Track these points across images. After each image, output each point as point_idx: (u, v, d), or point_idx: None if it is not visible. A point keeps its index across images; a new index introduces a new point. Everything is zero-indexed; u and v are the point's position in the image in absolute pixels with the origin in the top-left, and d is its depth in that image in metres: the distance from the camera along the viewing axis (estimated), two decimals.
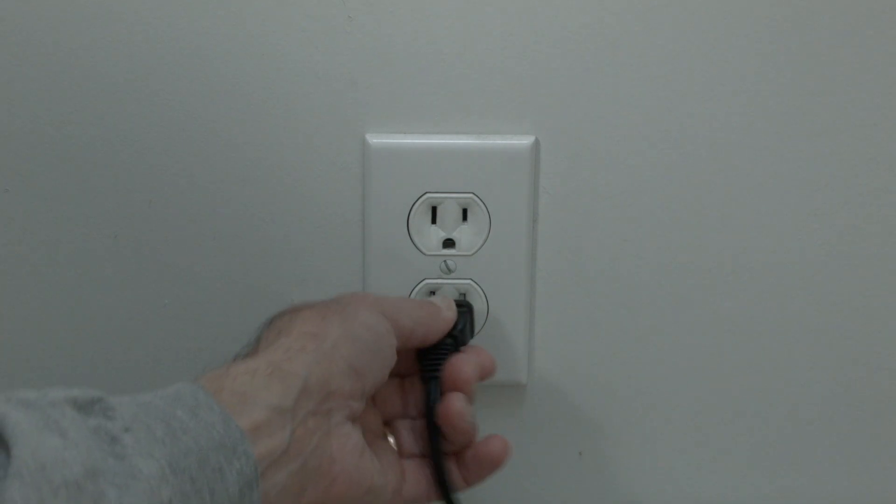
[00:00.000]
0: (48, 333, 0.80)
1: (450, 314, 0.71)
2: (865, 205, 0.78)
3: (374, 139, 0.76)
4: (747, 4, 0.74)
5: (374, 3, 0.74)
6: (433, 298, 0.73)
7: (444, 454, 0.70)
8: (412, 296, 0.78)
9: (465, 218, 0.77)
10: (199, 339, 0.80)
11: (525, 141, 0.76)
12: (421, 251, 0.77)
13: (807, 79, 0.75)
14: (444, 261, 0.78)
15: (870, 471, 0.83)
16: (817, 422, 0.82)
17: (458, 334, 0.72)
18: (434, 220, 0.77)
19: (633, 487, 0.83)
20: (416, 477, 0.70)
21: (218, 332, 0.80)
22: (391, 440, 0.71)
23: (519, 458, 0.82)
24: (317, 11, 0.74)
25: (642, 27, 0.74)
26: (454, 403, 0.69)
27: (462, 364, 0.70)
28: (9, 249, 0.78)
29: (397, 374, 0.71)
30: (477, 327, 0.78)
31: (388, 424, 0.72)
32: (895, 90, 0.76)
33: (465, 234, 0.77)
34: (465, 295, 0.78)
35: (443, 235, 0.77)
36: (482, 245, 0.77)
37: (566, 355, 0.81)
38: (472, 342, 0.78)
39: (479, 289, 0.78)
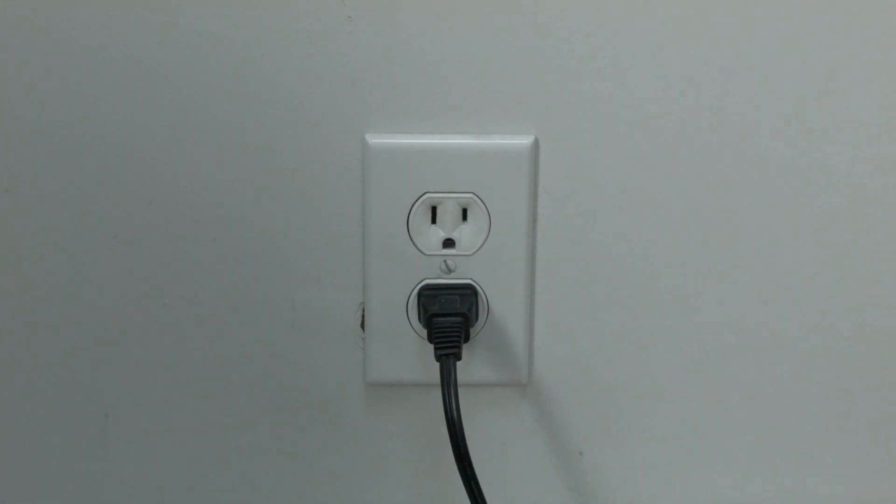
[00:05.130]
0: (48, 333, 0.80)
1: None
2: (865, 205, 0.78)
3: (374, 139, 0.76)
4: (747, 4, 0.74)
5: (374, 3, 0.74)
6: None
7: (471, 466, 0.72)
8: (411, 295, 0.78)
9: (465, 218, 0.77)
10: (199, 339, 0.80)
11: (525, 141, 0.76)
12: (421, 251, 0.77)
13: (807, 79, 0.75)
14: (444, 261, 0.78)
15: (870, 471, 0.83)
16: (817, 422, 0.82)
17: (468, 312, 0.75)
18: (434, 220, 0.77)
19: (633, 487, 0.83)
20: None
21: (218, 331, 0.80)
22: None
23: (519, 458, 0.82)
24: (317, 11, 0.74)
25: (642, 27, 0.74)
26: None
27: None
28: (9, 249, 0.78)
29: None
30: (477, 327, 0.78)
31: None
32: (895, 90, 0.76)
33: (465, 234, 0.77)
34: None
35: (443, 235, 0.77)
36: (482, 245, 0.77)
37: (566, 355, 0.81)
38: (473, 342, 0.79)
39: (479, 289, 0.78)
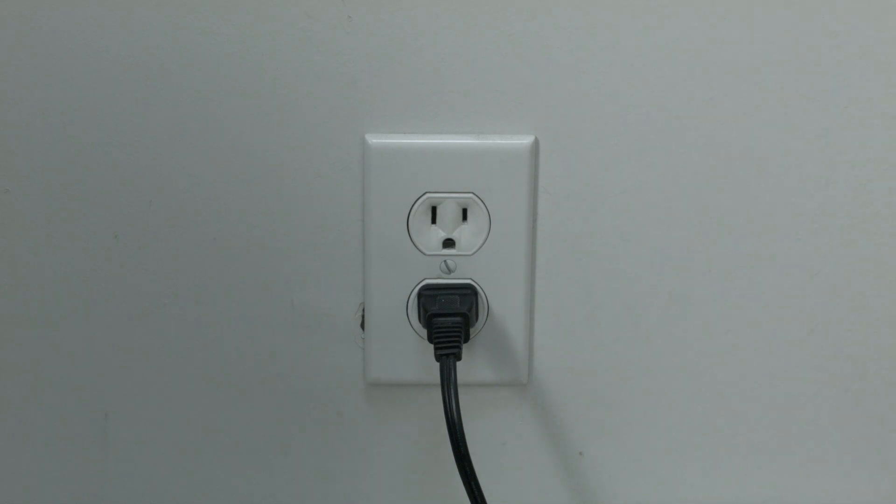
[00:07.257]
0: (48, 333, 0.80)
1: None
2: (865, 205, 0.78)
3: (374, 139, 0.76)
4: (747, 4, 0.74)
5: (374, 3, 0.74)
6: None
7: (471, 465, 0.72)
8: (411, 295, 0.78)
9: (465, 218, 0.77)
10: (199, 339, 0.80)
11: (525, 141, 0.76)
12: (421, 251, 0.77)
13: (807, 79, 0.75)
14: (444, 261, 0.78)
15: (870, 471, 0.83)
16: (817, 422, 0.82)
17: (468, 312, 0.75)
18: (434, 220, 0.77)
19: (633, 487, 0.83)
20: None
21: (218, 332, 0.80)
22: None
23: (519, 458, 0.82)
24: (317, 11, 0.74)
25: (642, 27, 0.74)
26: None
27: None
28: (9, 249, 0.78)
29: None
30: (477, 327, 0.78)
31: None
32: (895, 90, 0.76)
33: (465, 234, 0.77)
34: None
35: (443, 235, 0.77)
36: (482, 245, 0.77)
37: (566, 355, 0.81)
38: (473, 342, 0.79)
39: (479, 289, 0.78)
